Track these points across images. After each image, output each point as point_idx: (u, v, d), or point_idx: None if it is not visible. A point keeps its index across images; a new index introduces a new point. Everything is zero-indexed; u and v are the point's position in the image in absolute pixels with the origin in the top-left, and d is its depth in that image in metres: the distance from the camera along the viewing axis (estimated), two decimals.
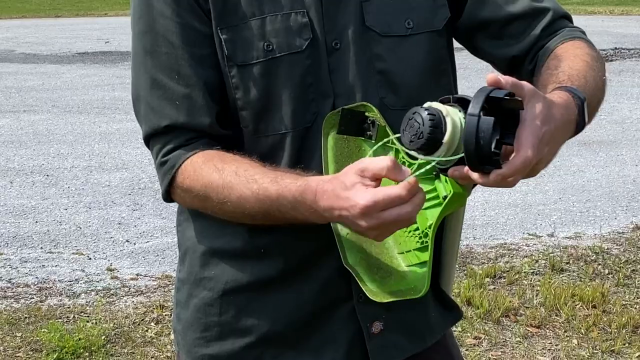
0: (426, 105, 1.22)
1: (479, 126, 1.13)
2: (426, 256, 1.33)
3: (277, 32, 1.39)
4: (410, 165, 1.30)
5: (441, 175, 1.30)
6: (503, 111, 1.17)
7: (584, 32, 1.52)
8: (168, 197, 1.47)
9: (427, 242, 1.34)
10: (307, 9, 1.40)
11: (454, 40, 1.54)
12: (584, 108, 1.30)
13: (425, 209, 1.35)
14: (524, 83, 1.19)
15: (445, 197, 1.31)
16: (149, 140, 1.46)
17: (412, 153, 1.23)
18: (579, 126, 1.30)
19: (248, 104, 1.41)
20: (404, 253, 1.38)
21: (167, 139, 1.43)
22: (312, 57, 1.40)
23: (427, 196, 1.34)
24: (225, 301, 1.49)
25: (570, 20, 1.53)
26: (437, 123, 1.18)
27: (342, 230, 1.37)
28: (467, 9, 1.49)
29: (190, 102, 1.41)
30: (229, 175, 1.36)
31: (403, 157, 1.33)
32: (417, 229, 1.36)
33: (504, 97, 1.15)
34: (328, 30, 1.41)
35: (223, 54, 1.40)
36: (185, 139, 1.42)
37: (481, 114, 1.14)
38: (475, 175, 1.17)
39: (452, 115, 1.18)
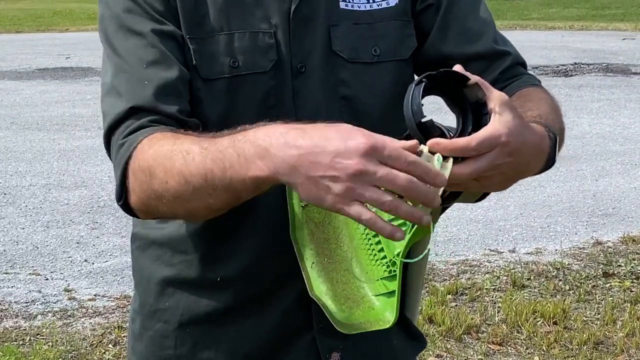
0: None
1: (413, 93, 1.12)
2: (394, 285, 1.30)
3: (245, 50, 1.36)
4: None
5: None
6: (476, 111, 1.15)
7: (540, 82, 1.52)
8: (122, 190, 1.27)
9: (395, 270, 1.31)
10: (275, 30, 1.37)
11: None
12: (556, 143, 1.28)
13: None
14: (497, 91, 1.15)
15: (413, 224, 1.28)
16: (110, 136, 1.31)
17: None
18: (550, 160, 1.27)
19: (207, 120, 1.36)
20: (372, 282, 1.35)
21: (130, 122, 1.29)
22: (276, 79, 1.37)
23: (395, 223, 1.32)
24: (181, 333, 1.45)
25: (526, 68, 1.53)
26: None
27: (308, 260, 1.35)
28: (428, 42, 1.47)
29: (159, 83, 1.30)
30: (186, 142, 1.20)
31: None
32: (385, 257, 1.33)
33: (446, 72, 1.14)
34: (294, 53, 1.38)
35: (191, 64, 1.35)
36: (148, 120, 1.28)
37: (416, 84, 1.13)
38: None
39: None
